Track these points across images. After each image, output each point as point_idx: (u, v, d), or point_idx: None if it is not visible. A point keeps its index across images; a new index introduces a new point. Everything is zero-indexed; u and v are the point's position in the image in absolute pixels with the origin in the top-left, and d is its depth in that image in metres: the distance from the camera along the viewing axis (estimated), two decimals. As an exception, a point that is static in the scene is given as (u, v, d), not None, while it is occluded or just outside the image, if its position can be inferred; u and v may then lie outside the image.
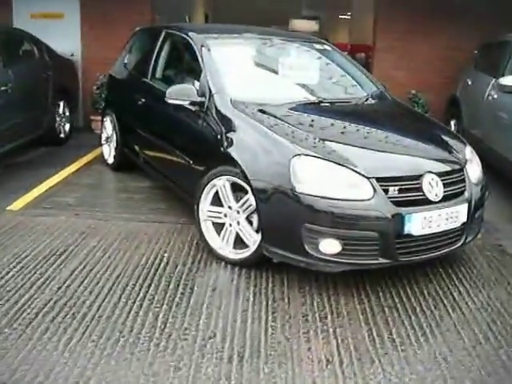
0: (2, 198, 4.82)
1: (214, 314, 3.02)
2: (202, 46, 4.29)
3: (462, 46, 7.50)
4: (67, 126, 7.15)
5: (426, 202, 3.26)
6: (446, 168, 3.47)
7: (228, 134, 3.65)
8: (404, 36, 7.97)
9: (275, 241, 3.32)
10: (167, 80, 4.74)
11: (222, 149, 3.63)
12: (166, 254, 3.79)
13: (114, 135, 5.71)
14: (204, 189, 3.69)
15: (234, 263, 3.62)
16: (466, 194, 3.49)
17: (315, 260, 3.18)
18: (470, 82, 6.65)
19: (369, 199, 3.12)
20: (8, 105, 5.51)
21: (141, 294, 3.22)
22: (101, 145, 6.15)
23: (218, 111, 3.82)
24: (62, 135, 7.03)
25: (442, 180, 3.36)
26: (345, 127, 3.80)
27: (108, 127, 5.89)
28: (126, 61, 5.81)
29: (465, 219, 3.44)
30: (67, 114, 7.12)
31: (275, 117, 3.64)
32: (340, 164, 3.17)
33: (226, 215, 3.61)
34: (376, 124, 3.87)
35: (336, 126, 3.79)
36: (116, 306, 3.08)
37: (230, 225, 3.60)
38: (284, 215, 3.23)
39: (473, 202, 3.49)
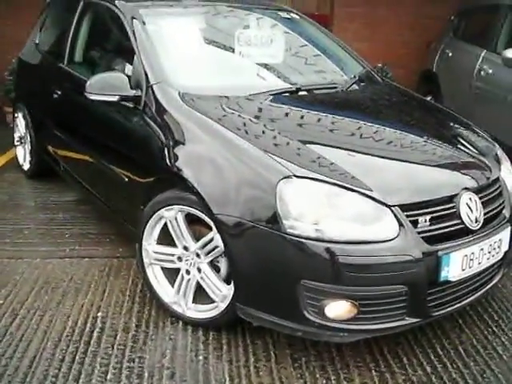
0: None
1: (175, 427, 2.01)
2: (133, 17, 3.15)
3: (435, 13, 6.59)
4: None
5: (464, 232, 2.33)
6: (482, 180, 2.54)
7: (176, 143, 2.58)
8: (366, 1, 7.00)
9: (255, 301, 2.31)
10: (90, 65, 3.60)
11: (168, 164, 2.56)
12: (99, 313, 2.72)
13: (28, 135, 4.50)
14: (147, 222, 2.62)
15: (196, 324, 2.60)
16: (505, 212, 2.59)
17: (319, 329, 2.19)
18: (450, 54, 5.77)
19: (393, 238, 2.15)
20: None
21: (64, 394, 2.16)
22: (15, 146, 4.90)
23: (159, 109, 2.73)
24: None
25: (481, 198, 2.44)
26: (340, 128, 2.77)
27: (21, 124, 4.67)
28: (37, 40, 4.55)
29: (507, 247, 2.54)
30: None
31: (243, 116, 2.59)
32: (348, 188, 2.17)
33: (180, 258, 2.57)
34: (379, 120, 2.88)
35: (328, 127, 2.76)
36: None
37: (188, 272, 2.56)
38: (268, 266, 2.22)
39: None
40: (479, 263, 2.37)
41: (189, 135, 2.56)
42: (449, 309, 2.37)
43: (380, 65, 6.91)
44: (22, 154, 4.74)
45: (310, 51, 3.60)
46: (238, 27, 3.34)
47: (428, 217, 2.23)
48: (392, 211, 2.16)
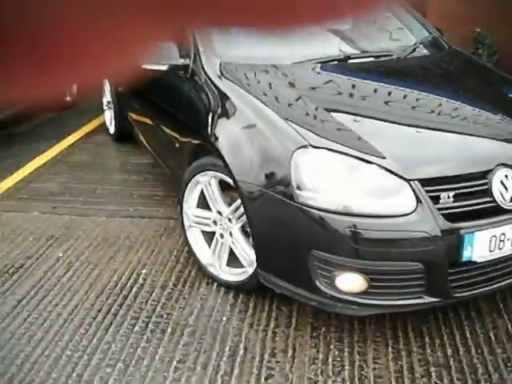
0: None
1: (183, 380, 2.14)
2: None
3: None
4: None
5: (496, 210, 2.18)
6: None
7: (215, 112, 2.65)
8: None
9: (274, 267, 2.36)
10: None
11: (208, 132, 2.64)
12: (143, 271, 2.91)
13: (112, 99, 4.81)
14: (187, 186, 2.74)
15: (228, 286, 2.70)
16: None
17: (330, 300, 2.20)
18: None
19: (409, 213, 2.07)
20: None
21: (94, 340, 2.37)
22: (103, 110, 5.26)
23: (204, 77, 2.81)
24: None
25: (523, 176, 2.26)
26: (376, 96, 2.66)
27: (107, 89, 4.99)
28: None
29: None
30: (73, 73, 6.24)
31: (278, 84, 2.59)
32: (365, 160, 2.12)
33: (215, 222, 2.67)
34: (424, 87, 2.73)
35: (362, 96, 2.67)
36: (59, 357, 2.26)
37: (222, 236, 2.65)
38: (283, 235, 2.25)
39: None
40: (514, 244, 2.21)
41: (224, 104, 2.61)
42: (475, 291, 2.25)
43: (478, 30, 6.45)
44: (109, 118, 5.08)
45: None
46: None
47: (452, 193, 2.12)
48: (410, 185, 2.08)
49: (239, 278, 2.63)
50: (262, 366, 2.20)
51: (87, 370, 2.20)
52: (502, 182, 2.19)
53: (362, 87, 2.73)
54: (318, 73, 2.81)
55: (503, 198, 2.18)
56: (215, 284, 2.75)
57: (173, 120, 3.18)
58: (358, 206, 2.07)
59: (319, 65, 2.86)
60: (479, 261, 2.16)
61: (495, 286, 2.29)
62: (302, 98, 2.50)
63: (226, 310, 2.57)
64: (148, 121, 3.73)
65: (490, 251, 2.17)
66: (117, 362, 2.26)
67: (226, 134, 2.51)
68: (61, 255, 3.09)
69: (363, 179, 2.11)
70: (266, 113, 2.38)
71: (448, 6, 6.28)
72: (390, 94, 2.65)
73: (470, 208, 2.15)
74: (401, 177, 2.09)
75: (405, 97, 2.64)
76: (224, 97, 2.62)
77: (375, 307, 2.19)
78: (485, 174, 2.19)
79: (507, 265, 2.27)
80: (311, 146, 2.15)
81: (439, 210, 2.09)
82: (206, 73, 2.80)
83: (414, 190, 2.08)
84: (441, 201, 2.11)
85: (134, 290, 2.75)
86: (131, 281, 2.82)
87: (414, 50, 3.14)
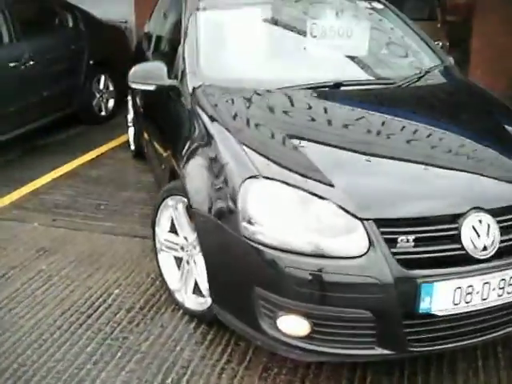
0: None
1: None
2: (197, 8, 3.19)
3: None
4: (111, 102, 6.42)
5: (465, 259, 1.97)
6: (509, 200, 2.11)
7: (189, 136, 2.58)
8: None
9: (223, 301, 2.26)
10: (164, 55, 3.72)
11: (180, 155, 2.57)
12: (116, 291, 2.87)
13: (133, 117, 4.87)
14: (158, 209, 2.67)
15: (191, 315, 2.60)
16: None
17: (274, 341, 2.05)
18: None
19: (359, 256, 1.90)
20: (20, 82, 4.87)
21: (44, 356, 2.35)
22: (127, 127, 5.33)
23: (186, 99, 2.75)
24: (103, 113, 6.32)
25: (501, 222, 2.03)
26: (353, 127, 2.51)
27: (130, 107, 5.05)
28: (146, 29, 4.86)
29: (539, 285, 2.09)
30: (111, 88, 6.38)
31: (250, 111, 2.49)
32: (318, 195, 1.97)
33: (182, 248, 2.59)
34: (407, 119, 2.55)
35: (338, 126, 2.53)
36: (5, 370, 2.25)
37: (188, 262, 2.57)
38: (230, 268, 2.13)
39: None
40: (484, 299, 1.99)
41: (196, 128, 2.54)
42: (437, 347, 2.04)
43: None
44: (132, 135, 5.13)
45: (379, 43, 3.30)
46: (298, 18, 3.20)
47: (412, 236, 1.93)
48: (363, 225, 1.92)
49: (201, 307, 2.53)
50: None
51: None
52: (474, 227, 1.98)
53: (340, 116, 2.58)
54: (299, 100, 2.66)
55: (474, 246, 1.98)
56: (181, 311, 2.66)
57: (163, 140, 3.15)
58: (304, 244, 1.93)
59: (305, 91, 2.72)
60: (440, 314, 1.95)
61: (463, 343, 2.07)
62: (272, 125, 2.39)
63: (182, 340, 2.47)
64: (149, 139, 3.73)
65: (455, 304, 1.96)
66: (57, 381, 2.21)
67: (191, 158, 2.43)
68: (44, 268, 3.11)
69: (313, 215, 1.97)
70: (227, 140, 2.29)
71: (492, 37, 6.00)
72: (367, 124, 2.48)
73: (433, 255, 1.95)
74: (353, 215, 1.93)
75: (382, 128, 2.47)
76: (198, 120, 2.55)
77: (320, 354, 2.02)
78: (455, 218, 1.99)
79: (477, 321, 2.04)
80: (262, 176, 2.03)
81: (395, 254, 1.91)
82: (187, 94, 2.74)
83: (367, 231, 1.91)
84: (398, 244, 1.92)
85: (100, 309, 2.70)
86: (100, 300, 2.78)
87: (419, 78, 2.95)
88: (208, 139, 2.38)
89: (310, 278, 1.91)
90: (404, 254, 1.92)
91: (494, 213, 2.02)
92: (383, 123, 2.50)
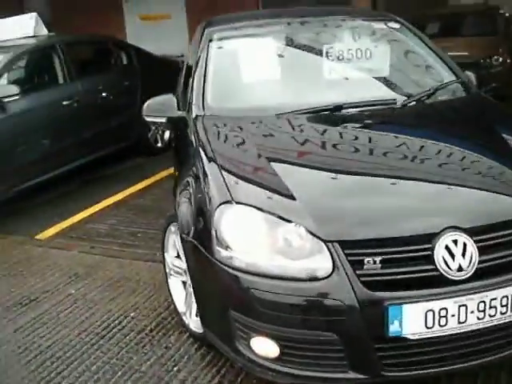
0: (43, 223, 4.52)
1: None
2: (210, 40, 3.34)
3: None
4: (167, 134, 6.70)
5: (439, 281, 1.92)
6: (494, 219, 2.02)
7: (190, 164, 2.70)
8: None
9: (209, 323, 2.34)
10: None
11: (179, 183, 2.70)
12: (132, 314, 3.02)
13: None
14: (164, 234, 2.81)
15: (194, 337, 2.68)
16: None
17: (250, 363, 2.09)
18: None
19: (322, 278, 1.91)
20: (73, 120, 5.26)
21: (52, 374, 2.53)
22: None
23: (190, 129, 2.88)
24: (159, 144, 6.63)
25: (479, 242, 1.95)
26: (335, 149, 2.53)
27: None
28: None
29: (528, 309, 1.99)
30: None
31: (241, 138, 2.57)
32: (285, 219, 2.01)
33: (186, 272, 2.69)
34: (397, 136, 2.52)
35: (320, 148, 2.54)
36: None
37: (190, 285, 2.66)
38: (209, 291, 2.21)
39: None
40: (461, 323, 1.92)
41: (192, 155, 2.65)
42: (415, 372, 1.99)
43: None
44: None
45: (389, 64, 3.25)
46: (307, 44, 3.27)
47: (379, 258, 1.91)
48: (328, 247, 1.92)
49: (202, 329, 2.59)
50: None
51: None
52: (448, 248, 1.93)
53: (327, 139, 2.59)
54: (294, 125, 2.70)
55: (448, 267, 1.92)
56: (187, 334, 2.75)
57: (176, 171, 3.29)
58: (270, 267, 1.98)
59: (302, 116, 2.75)
60: (412, 338, 1.91)
61: (444, 368, 2.00)
62: (255, 150, 2.44)
63: (181, 361, 2.57)
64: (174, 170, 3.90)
65: (428, 328, 1.91)
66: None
67: (184, 186, 2.54)
68: (73, 292, 3.32)
69: (280, 239, 2.00)
70: (211, 165, 2.38)
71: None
72: (351, 146, 2.48)
73: (404, 276, 1.92)
74: (318, 237, 1.94)
75: (368, 149, 2.46)
76: (193, 148, 2.66)
77: (292, 376, 2.03)
78: (429, 238, 1.94)
79: (459, 345, 1.97)
80: (235, 201, 2.10)
81: (361, 276, 1.90)
82: (190, 124, 2.87)
83: (331, 253, 1.92)
84: (365, 266, 1.91)
85: (113, 331, 2.86)
86: (116, 322, 2.94)
87: (429, 96, 2.91)
88: (197, 166, 2.48)
89: (274, 299, 1.95)
90: (370, 276, 1.91)
91: (472, 232, 1.96)
92: (371, 143, 2.50)
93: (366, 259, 1.91)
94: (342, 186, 2.19)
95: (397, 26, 3.51)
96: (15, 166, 4.70)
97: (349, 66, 3.20)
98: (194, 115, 2.87)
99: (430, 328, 1.91)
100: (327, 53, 3.17)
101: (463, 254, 1.93)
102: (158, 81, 6.47)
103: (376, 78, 3.11)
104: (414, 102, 2.85)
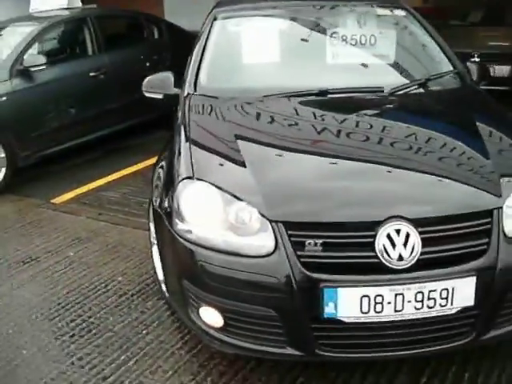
0: (62, 188, 4.76)
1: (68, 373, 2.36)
2: (214, 19, 3.41)
3: None
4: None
5: (377, 268, 1.97)
6: (441, 212, 2.05)
7: (171, 139, 2.81)
8: None
9: (169, 291, 2.48)
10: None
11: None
12: (119, 278, 3.20)
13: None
14: (149, 205, 2.93)
15: (170, 305, 2.83)
16: (484, 259, 2.02)
17: (200, 330, 2.22)
18: None
19: (264, 256, 2.01)
20: (100, 90, 5.48)
21: (35, 329, 2.73)
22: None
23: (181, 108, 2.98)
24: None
25: (424, 233, 1.99)
26: (307, 132, 2.58)
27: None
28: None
29: (470, 303, 2.01)
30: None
31: (214, 115, 2.66)
32: (237, 197, 2.10)
33: (161, 241, 2.83)
34: (373, 127, 2.54)
35: (287, 128, 2.61)
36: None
37: (165, 254, 2.81)
38: (169, 261, 2.34)
39: (499, 274, 2.01)
40: (397, 311, 1.97)
41: (175, 131, 2.76)
42: (351, 355, 2.07)
43: None
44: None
45: (390, 52, 3.24)
46: (307, 28, 3.30)
47: (321, 241, 1.98)
48: (272, 227, 2.01)
49: (171, 297, 2.74)
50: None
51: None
52: (390, 236, 1.97)
53: (301, 124, 2.63)
54: (275, 107, 2.75)
55: (388, 256, 1.97)
56: (164, 301, 2.90)
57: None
58: (219, 242, 2.08)
59: (286, 99, 2.80)
60: (347, 321, 1.98)
61: (382, 354, 2.07)
62: (226, 129, 2.52)
63: (152, 325, 2.73)
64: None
65: (363, 313, 1.97)
66: (38, 348, 2.58)
67: (161, 158, 2.68)
68: (71, 254, 3.54)
69: (231, 216, 2.10)
70: (183, 141, 2.49)
71: None
72: (319, 131, 2.52)
73: (344, 261, 1.99)
74: (265, 217, 2.03)
75: (337, 133, 2.51)
76: (178, 125, 2.77)
77: (234, 347, 2.15)
78: (373, 226, 2.00)
79: (397, 333, 2.03)
80: (196, 177, 2.21)
81: (301, 257, 1.98)
82: (181, 102, 2.97)
83: (275, 232, 2.00)
84: (306, 248, 1.99)
85: (98, 292, 3.06)
86: (102, 285, 3.13)
87: (420, 86, 2.91)
88: (176, 142, 2.59)
89: (220, 273, 2.06)
90: (310, 258, 1.98)
91: (417, 223, 2.00)
92: (340, 127, 2.55)
93: (308, 241, 1.98)
94: (298, 169, 2.25)
95: (403, 13, 3.48)
96: (39, 133, 4.96)
97: (348, 53, 3.22)
98: (185, 93, 2.97)
99: (366, 313, 1.97)
100: (328, 38, 3.20)
101: (405, 244, 1.97)
102: (188, 56, 6.64)
103: (370, 65, 3.13)
104: (402, 92, 2.86)
